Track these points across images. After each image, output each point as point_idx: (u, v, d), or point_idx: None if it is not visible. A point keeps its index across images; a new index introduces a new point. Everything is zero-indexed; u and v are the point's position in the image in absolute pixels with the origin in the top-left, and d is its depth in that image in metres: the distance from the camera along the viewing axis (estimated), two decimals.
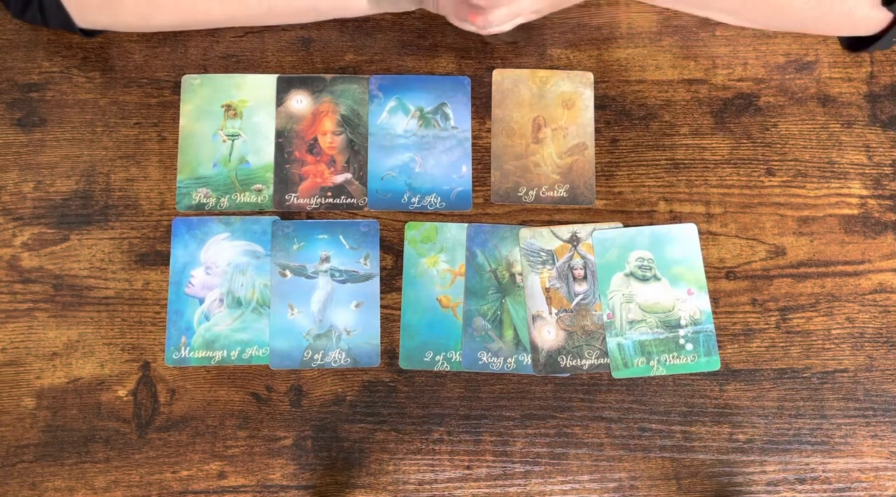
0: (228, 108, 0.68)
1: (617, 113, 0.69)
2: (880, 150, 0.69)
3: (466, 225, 0.66)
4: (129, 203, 0.66)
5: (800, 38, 0.71)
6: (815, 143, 0.69)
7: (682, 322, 0.64)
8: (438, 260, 0.65)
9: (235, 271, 0.65)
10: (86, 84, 0.68)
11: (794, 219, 0.67)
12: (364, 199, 0.66)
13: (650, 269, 0.65)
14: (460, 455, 0.62)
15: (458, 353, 0.64)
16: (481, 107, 0.69)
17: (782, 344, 0.65)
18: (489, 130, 0.68)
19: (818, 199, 0.68)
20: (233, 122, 0.67)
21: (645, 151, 0.68)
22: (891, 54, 0.71)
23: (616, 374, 0.63)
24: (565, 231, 0.66)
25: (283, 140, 0.67)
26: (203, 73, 0.68)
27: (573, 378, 0.64)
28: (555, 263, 0.65)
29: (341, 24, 0.70)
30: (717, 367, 0.64)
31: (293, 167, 0.67)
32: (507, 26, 0.60)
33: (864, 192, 0.68)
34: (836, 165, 0.68)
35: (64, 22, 0.63)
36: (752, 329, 0.65)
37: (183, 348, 0.63)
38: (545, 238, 0.66)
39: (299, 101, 0.68)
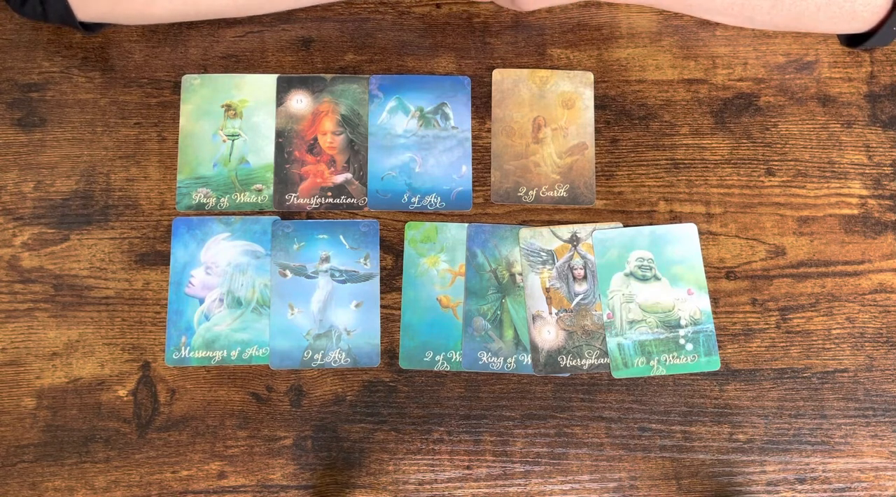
0: (228, 108, 0.68)
1: (617, 113, 0.69)
2: (880, 150, 0.69)
3: (466, 225, 0.66)
4: (129, 203, 0.66)
5: (800, 38, 0.71)
6: (815, 143, 0.69)
7: (682, 322, 0.64)
8: (438, 260, 0.65)
9: (235, 271, 0.65)
10: (86, 84, 0.68)
11: (794, 219, 0.67)
12: (364, 199, 0.66)
13: (650, 269, 0.65)
14: (460, 455, 0.62)
15: (458, 353, 0.64)
16: (481, 107, 0.69)
17: (782, 344, 0.65)
18: (489, 130, 0.68)
19: (818, 199, 0.68)
20: (233, 122, 0.67)
21: (645, 151, 0.68)
22: (891, 54, 0.71)
23: (616, 374, 0.63)
24: (565, 231, 0.66)
25: (283, 140, 0.67)
26: (203, 72, 0.68)
27: (573, 378, 0.64)
28: (555, 263, 0.65)
29: (341, 23, 0.70)
30: (717, 367, 0.64)
31: (293, 167, 0.67)
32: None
33: (864, 192, 0.68)
34: (836, 165, 0.68)
35: (64, 15, 0.63)
36: (752, 329, 0.65)
37: (183, 348, 0.63)
38: (545, 238, 0.66)
39: (299, 101, 0.68)
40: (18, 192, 0.66)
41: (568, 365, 0.63)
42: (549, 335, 0.64)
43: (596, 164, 0.68)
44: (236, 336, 0.63)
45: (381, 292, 0.65)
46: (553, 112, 0.68)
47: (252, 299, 0.64)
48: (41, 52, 0.69)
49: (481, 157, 0.68)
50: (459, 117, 0.68)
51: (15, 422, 0.62)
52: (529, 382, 0.64)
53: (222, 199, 0.66)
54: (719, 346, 0.64)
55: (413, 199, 0.66)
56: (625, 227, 0.66)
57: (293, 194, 0.66)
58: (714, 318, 0.65)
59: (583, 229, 0.66)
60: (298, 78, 0.68)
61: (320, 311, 0.64)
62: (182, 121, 0.67)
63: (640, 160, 0.68)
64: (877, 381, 0.64)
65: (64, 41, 0.69)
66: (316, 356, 0.63)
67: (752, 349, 0.65)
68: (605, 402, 0.63)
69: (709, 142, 0.69)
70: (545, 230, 0.66)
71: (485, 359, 0.63)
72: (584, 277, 0.65)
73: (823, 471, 0.62)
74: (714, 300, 0.65)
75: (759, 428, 0.63)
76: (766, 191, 0.68)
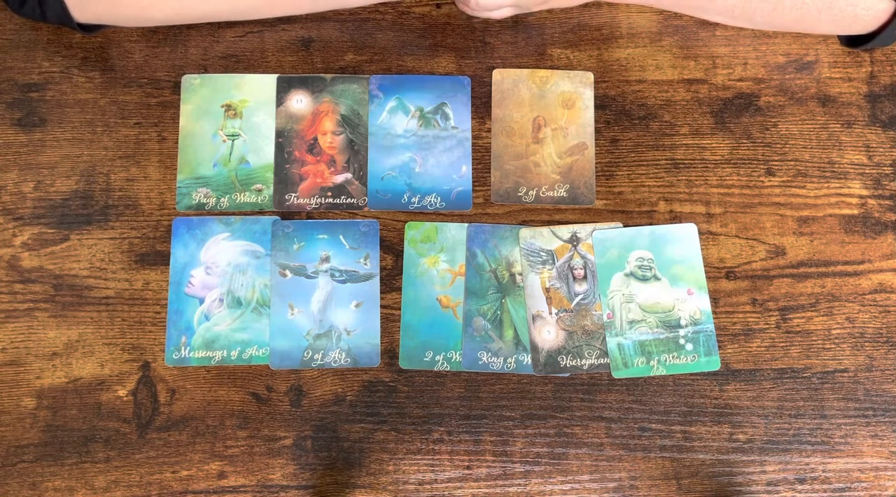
0: (228, 108, 0.68)
1: (617, 113, 0.69)
2: (880, 150, 0.69)
3: (466, 225, 0.66)
4: (129, 203, 0.66)
5: (800, 38, 0.71)
6: (815, 143, 0.69)
7: (682, 322, 0.64)
8: (438, 260, 0.65)
9: (235, 271, 0.65)
10: (86, 84, 0.68)
11: (794, 219, 0.67)
12: (364, 199, 0.66)
13: (650, 269, 0.65)
14: (460, 455, 0.62)
15: (458, 353, 0.64)
16: (481, 107, 0.69)
17: (782, 344, 0.65)
18: (489, 130, 0.68)
19: (818, 199, 0.68)
20: (233, 122, 0.67)
21: (645, 151, 0.68)
22: (891, 54, 0.71)
23: (616, 374, 0.63)
24: (565, 231, 0.66)
25: (283, 140, 0.67)
26: (203, 73, 0.68)
27: (573, 378, 0.64)
28: (555, 263, 0.65)
29: (341, 23, 0.70)
30: (717, 367, 0.64)
31: (293, 167, 0.67)
32: (500, 13, 0.66)
33: (864, 192, 0.68)
34: (836, 165, 0.68)
35: (62, 15, 0.63)
36: (752, 329, 0.65)
37: (183, 348, 0.63)
38: (545, 238, 0.66)
39: (299, 101, 0.68)
40: (18, 192, 0.66)
41: (568, 365, 0.63)
42: (549, 335, 0.64)
43: (596, 164, 0.68)
44: (236, 336, 0.63)
45: (381, 292, 0.65)
46: (553, 112, 0.68)
47: (252, 299, 0.64)
48: (41, 52, 0.69)
49: (481, 157, 0.68)
50: (459, 117, 0.68)
51: (15, 422, 0.62)
52: (529, 382, 0.64)
53: (222, 199, 0.66)
54: (719, 346, 0.64)
55: (413, 199, 0.66)
56: (625, 227, 0.66)
57: (293, 194, 0.66)
58: (714, 318, 0.65)
59: (583, 229, 0.66)
60: (298, 78, 0.68)
61: (320, 311, 0.64)
62: (182, 121, 0.67)
63: (640, 160, 0.68)
64: (877, 381, 0.64)
65: (64, 41, 0.69)
66: (316, 356, 0.63)
67: (752, 349, 0.65)
68: (605, 402, 0.63)
69: (709, 142, 0.69)
70: (545, 230, 0.66)
71: (485, 359, 0.63)
72: (584, 277, 0.65)
73: (823, 471, 0.62)
74: (714, 300, 0.65)
75: (759, 428, 0.63)
76: (766, 191, 0.68)
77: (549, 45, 0.70)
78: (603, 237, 0.66)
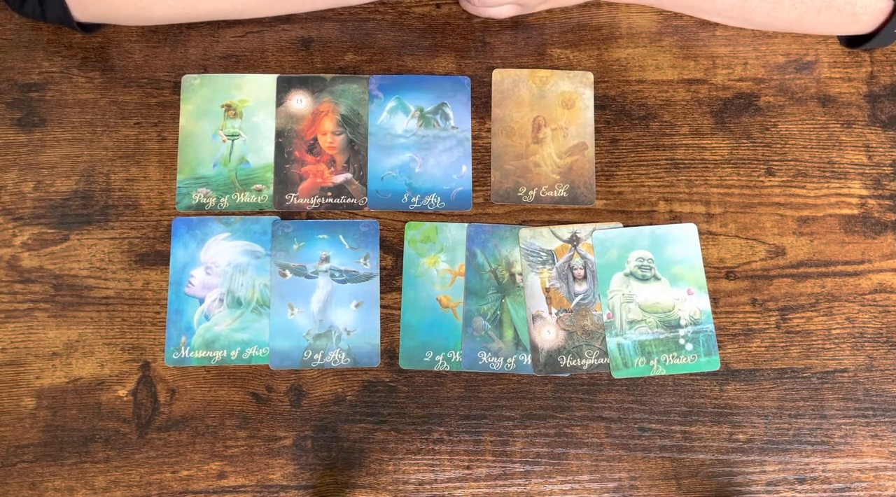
0: (228, 108, 0.68)
1: (617, 113, 0.69)
2: (880, 150, 0.69)
3: (466, 225, 0.66)
4: (129, 203, 0.66)
5: (800, 38, 0.71)
6: (815, 143, 0.69)
7: (682, 322, 0.64)
8: (438, 260, 0.65)
9: (235, 271, 0.65)
10: (86, 84, 0.68)
11: (794, 219, 0.67)
12: (364, 199, 0.66)
13: (650, 269, 0.65)
14: (460, 455, 0.62)
15: (458, 353, 0.64)
16: (481, 107, 0.69)
17: (782, 344, 0.65)
18: (489, 130, 0.68)
19: (818, 199, 0.68)
20: (233, 122, 0.67)
21: (645, 151, 0.68)
22: (891, 54, 0.71)
23: (616, 374, 0.63)
24: (565, 231, 0.66)
25: (283, 140, 0.67)
26: (203, 73, 0.68)
27: (573, 378, 0.64)
28: (555, 263, 0.65)
29: (341, 23, 0.70)
30: (717, 367, 0.64)
31: (293, 167, 0.67)
32: (501, 11, 0.67)
33: (864, 192, 0.68)
34: (836, 165, 0.68)
35: (62, 15, 0.63)
36: (752, 329, 0.65)
37: (183, 348, 0.63)
38: (545, 238, 0.66)
39: (299, 101, 0.68)
40: (18, 192, 0.66)
41: (568, 365, 0.63)
42: (549, 335, 0.64)
43: (596, 164, 0.68)
44: (236, 336, 0.63)
45: (381, 292, 0.65)
46: (553, 112, 0.68)
47: (252, 299, 0.64)
48: (41, 52, 0.69)
49: (481, 157, 0.68)
50: (459, 117, 0.68)
51: (15, 422, 0.62)
52: (529, 382, 0.64)
53: (222, 199, 0.66)
54: (719, 346, 0.64)
55: (413, 199, 0.66)
56: (625, 227, 0.66)
57: (293, 194, 0.66)
58: (714, 318, 0.65)
59: (583, 229, 0.66)
60: (298, 78, 0.68)
61: (320, 311, 0.64)
62: (182, 121, 0.67)
63: (640, 160, 0.68)
64: (877, 381, 0.64)
65: (64, 41, 0.69)
66: (316, 356, 0.63)
67: (752, 349, 0.65)
68: (605, 402, 0.63)
69: (709, 142, 0.69)
70: (545, 230, 0.66)
71: (485, 359, 0.63)
72: (584, 277, 0.65)
73: (823, 471, 0.62)
74: (714, 300, 0.65)
75: (759, 428, 0.63)
76: (766, 191, 0.68)
77: (549, 45, 0.70)
78: (603, 237, 0.66)
